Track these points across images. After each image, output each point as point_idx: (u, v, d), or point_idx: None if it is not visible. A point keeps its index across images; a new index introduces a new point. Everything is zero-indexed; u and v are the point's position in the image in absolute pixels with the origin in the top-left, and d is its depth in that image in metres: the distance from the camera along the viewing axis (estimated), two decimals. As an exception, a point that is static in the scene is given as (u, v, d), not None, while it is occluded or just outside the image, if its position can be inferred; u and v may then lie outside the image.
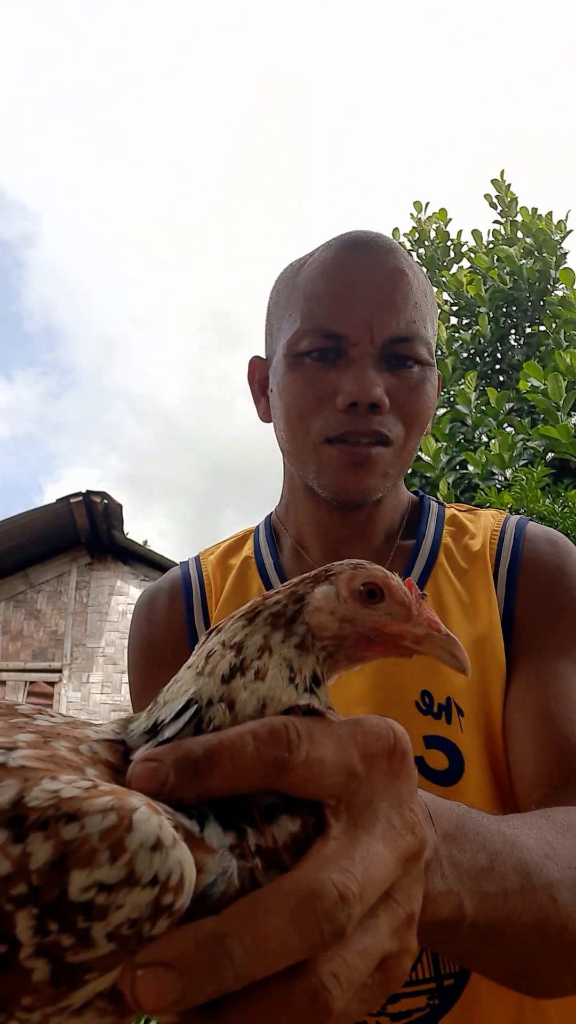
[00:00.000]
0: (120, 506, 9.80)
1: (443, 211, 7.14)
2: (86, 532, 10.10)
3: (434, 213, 7.17)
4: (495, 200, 6.95)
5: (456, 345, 6.28)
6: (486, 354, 6.39)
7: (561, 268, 6.06)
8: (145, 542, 11.09)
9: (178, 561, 1.09)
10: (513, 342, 6.42)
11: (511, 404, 5.56)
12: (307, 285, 0.89)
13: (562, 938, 0.54)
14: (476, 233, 6.92)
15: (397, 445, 0.88)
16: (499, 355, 6.36)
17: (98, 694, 10.04)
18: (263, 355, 1.01)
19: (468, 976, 0.75)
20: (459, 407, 5.55)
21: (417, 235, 7.14)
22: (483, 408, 5.45)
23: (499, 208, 6.93)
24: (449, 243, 7.07)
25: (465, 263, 6.92)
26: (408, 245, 7.06)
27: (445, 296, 6.69)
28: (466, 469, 5.11)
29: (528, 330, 6.38)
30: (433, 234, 7.09)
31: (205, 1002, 0.31)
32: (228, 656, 0.41)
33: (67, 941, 0.29)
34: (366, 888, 0.34)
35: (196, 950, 0.31)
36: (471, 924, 0.47)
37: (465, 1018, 0.74)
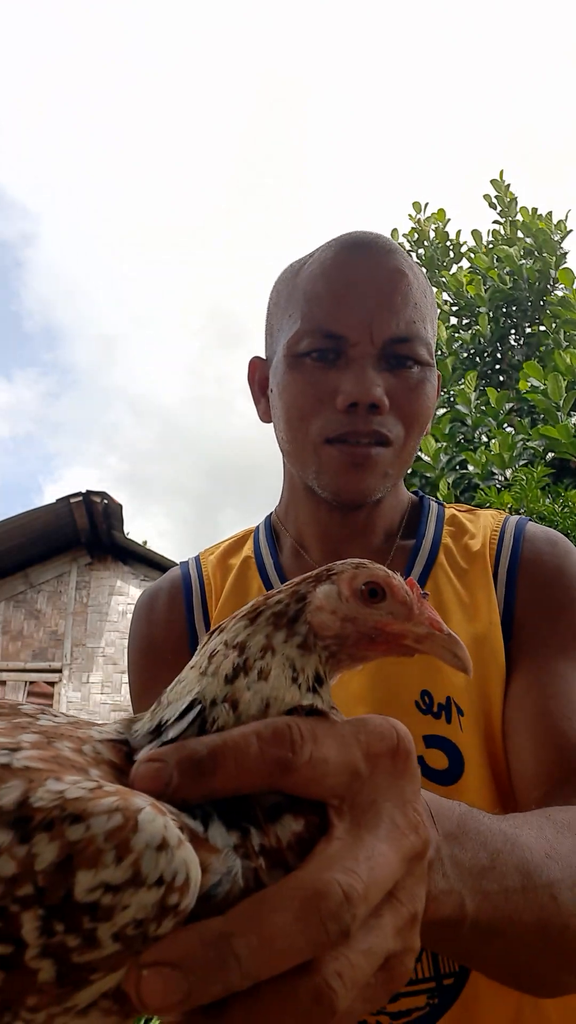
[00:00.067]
0: (120, 506, 9.80)
1: (441, 211, 7.15)
2: (86, 532, 10.10)
3: (433, 214, 7.18)
4: (494, 200, 6.95)
5: (456, 345, 6.28)
6: (486, 354, 6.39)
7: (561, 268, 6.06)
8: (145, 542, 11.09)
9: (178, 561, 1.09)
10: (513, 342, 6.42)
11: (511, 404, 5.56)
12: (307, 286, 0.89)
13: (563, 937, 0.54)
14: (476, 233, 6.92)
15: (397, 445, 0.88)
16: (499, 355, 6.37)
17: (98, 694, 10.04)
18: (263, 355, 1.02)
19: (468, 975, 0.76)
20: (459, 407, 5.55)
21: (416, 235, 7.14)
22: (483, 408, 5.45)
23: (498, 208, 6.93)
24: (448, 243, 7.07)
25: (465, 263, 6.93)
26: (407, 246, 7.06)
27: (445, 296, 6.69)
28: (466, 469, 5.12)
29: (528, 330, 6.38)
30: (432, 234, 7.10)
31: (210, 1002, 0.31)
32: (231, 656, 0.41)
33: (73, 942, 0.29)
34: (371, 888, 0.34)
35: (202, 950, 0.31)
36: (472, 923, 0.48)
37: (464, 1017, 0.74)
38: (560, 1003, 0.78)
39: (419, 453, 4.40)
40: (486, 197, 6.99)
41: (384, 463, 0.87)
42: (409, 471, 2.90)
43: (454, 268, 6.98)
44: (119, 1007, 0.32)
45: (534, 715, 0.79)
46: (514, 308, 6.40)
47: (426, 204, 7.22)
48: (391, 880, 0.36)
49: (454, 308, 6.62)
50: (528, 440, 5.00)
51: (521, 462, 4.87)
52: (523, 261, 6.35)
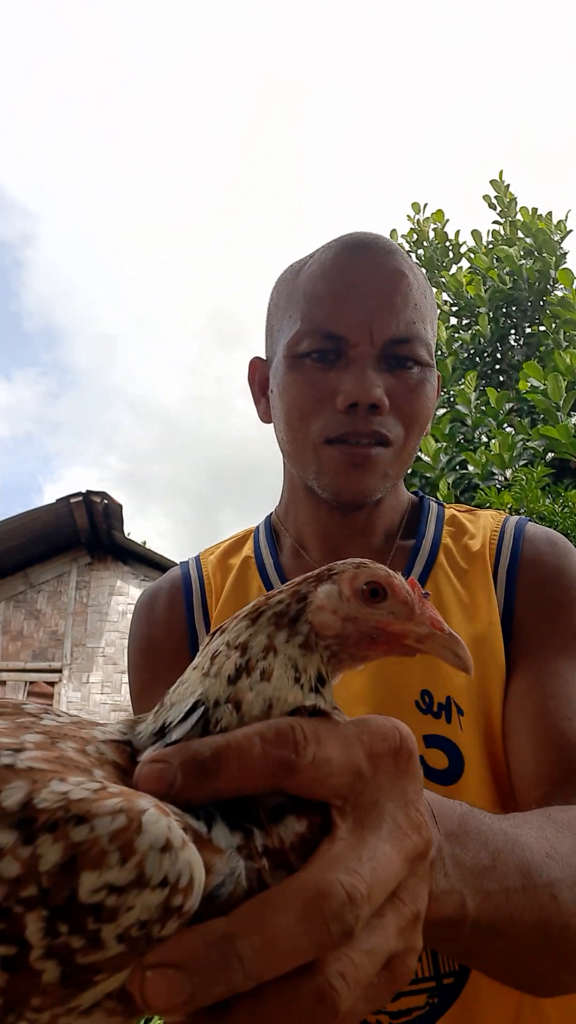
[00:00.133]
0: (120, 506, 9.79)
1: (440, 212, 7.15)
2: (86, 532, 10.10)
3: (432, 214, 7.18)
4: (494, 201, 6.95)
5: (456, 345, 6.28)
6: (486, 354, 6.39)
7: (560, 268, 6.06)
8: (144, 542, 11.10)
9: (178, 561, 1.09)
10: (513, 342, 6.42)
11: (511, 404, 5.56)
12: (307, 286, 0.89)
13: (563, 937, 0.54)
14: (476, 233, 6.92)
15: (397, 446, 0.88)
16: (499, 355, 6.36)
17: (98, 694, 10.04)
18: (263, 356, 1.02)
19: (467, 975, 0.76)
20: (459, 407, 5.55)
21: (415, 236, 7.14)
22: (483, 408, 5.45)
23: (498, 208, 6.93)
24: (448, 244, 7.07)
25: (465, 263, 6.93)
26: (407, 247, 7.06)
27: (445, 296, 6.69)
28: (466, 469, 5.11)
29: (528, 330, 6.38)
30: (432, 235, 7.10)
31: (213, 1002, 0.32)
32: (233, 657, 0.41)
33: (77, 943, 0.30)
34: (374, 888, 0.34)
35: (205, 951, 0.31)
36: (473, 923, 0.48)
37: (464, 1017, 0.74)
38: (560, 1003, 0.79)
39: (419, 453, 4.40)
40: (486, 198, 6.98)
41: (384, 463, 0.88)
42: (409, 471, 2.90)
43: (454, 268, 6.98)
44: (123, 1007, 0.32)
45: (534, 715, 0.79)
46: (514, 308, 6.40)
47: (425, 205, 7.22)
48: (394, 880, 0.36)
49: (454, 308, 6.62)
50: (528, 440, 4.99)
51: (521, 462, 4.87)
52: (523, 261, 6.35)
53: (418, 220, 7.20)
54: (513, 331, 6.44)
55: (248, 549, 1.01)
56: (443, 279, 6.68)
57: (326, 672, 0.42)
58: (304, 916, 0.32)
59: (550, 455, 4.81)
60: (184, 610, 0.96)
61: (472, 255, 6.80)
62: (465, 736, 0.81)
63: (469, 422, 5.47)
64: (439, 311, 6.38)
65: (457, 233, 7.13)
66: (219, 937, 0.31)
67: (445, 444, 5.22)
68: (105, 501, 9.48)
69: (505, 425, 5.49)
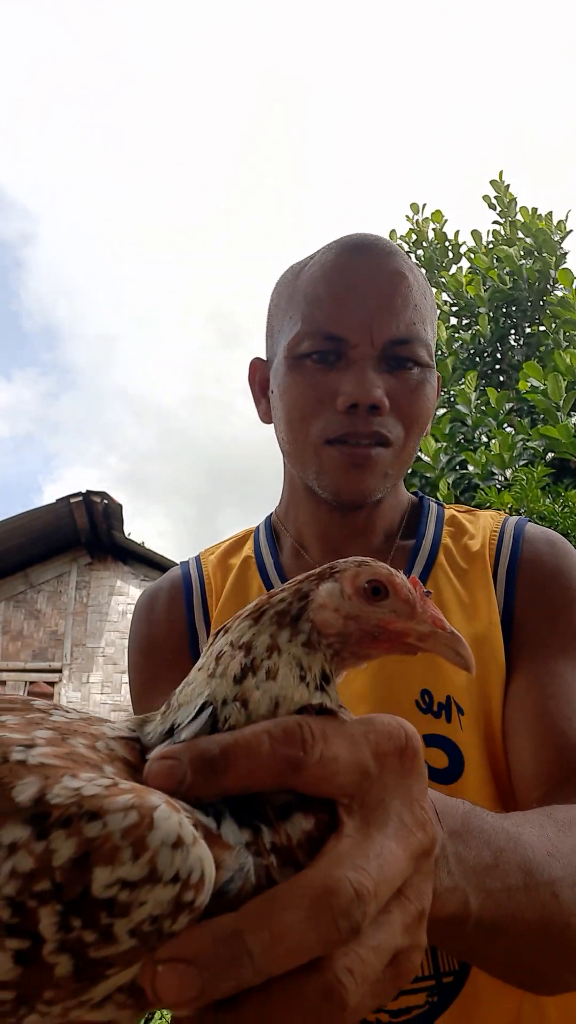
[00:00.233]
0: (120, 506, 9.79)
1: (438, 212, 7.15)
2: (86, 532, 10.10)
3: (431, 214, 7.18)
4: (494, 201, 6.95)
5: (456, 345, 6.28)
6: (486, 354, 6.39)
7: (560, 268, 6.06)
8: (144, 543, 11.10)
9: (178, 561, 1.09)
10: (513, 342, 6.42)
11: (511, 404, 5.56)
12: (307, 288, 0.89)
13: (564, 935, 0.55)
14: (476, 233, 6.92)
15: (397, 446, 0.88)
16: (499, 355, 6.37)
17: (98, 694, 10.04)
18: (263, 357, 1.02)
19: (467, 974, 0.76)
20: (459, 407, 5.55)
21: (415, 236, 7.14)
22: (483, 408, 5.45)
23: (498, 209, 6.93)
24: (447, 244, 7.07)
25: (465, 263, 6.93)
26: (406, 247, 7.06)
27: (445, 297, 6.69)
28: (466, 469, 5.11)
29: (528, 330, 6.38)
30: (431, 235, 7.10)
31: (222, 997, 0.32)
32: (238, 657, 0.41)
33: (90, 937, 0.30)
34: (380, 885, 0.35)
35: (215, 947, 0.31)
36: (476, 921, 0.48)
37: (464, 1016, 0.74)
38: (560, 1001, 0.79)
39: (419, 453, 4.40)
40: (485, 198, 6.99)
41: (384, 463, 0.88)
42: (409, 471, 2.90)
43: (453, 268, 6.98)
44: (134, 1001, 0.32)
45: (534, 715, 0.79)
46: (514, 308, 6.40)
47: (424, 205, 7.22)
48: (400, 877, 0.37)
49: (454, 308, 6.62)
50: (528, 440, 5.00)
51: (521, 462, 4.87)
52: (523, 261, 6.35)
53: (417, 220, 7.21)
54: (513, 331, 6.44)
55: (248, 549, 1.01)
56: (443, 279, 6.68)
57: (330, 670, 0.43)
58: (312, 913, 0.32)
59: (550, 455, 4.82)
60: (184, 610, 0.96)
61: (472, 255, 6.80)
62: (465, 735, 0.81)
63: (469, 422, 5.47)
64: (439, 311, 6.38)
65: (457, 233, 7.13)
66: (229, 933, 0.32)
67: (445, 444, 5.23)
68: (105, 501, 9.48)
69: (505, 425, 5.50)
